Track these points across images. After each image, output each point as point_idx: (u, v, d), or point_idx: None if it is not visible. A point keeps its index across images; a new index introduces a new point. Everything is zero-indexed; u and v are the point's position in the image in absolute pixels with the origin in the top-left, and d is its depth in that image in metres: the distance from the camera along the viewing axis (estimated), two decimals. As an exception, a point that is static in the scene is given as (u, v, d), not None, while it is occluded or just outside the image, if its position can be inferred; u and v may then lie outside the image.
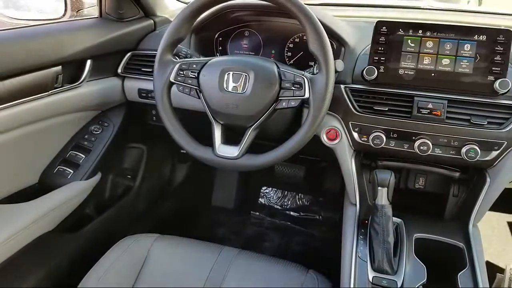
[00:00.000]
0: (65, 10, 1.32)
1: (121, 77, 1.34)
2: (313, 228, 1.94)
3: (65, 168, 1.25)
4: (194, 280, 1.00)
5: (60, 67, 1.11)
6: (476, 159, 0.95)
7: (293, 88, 0.91)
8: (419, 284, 0.88)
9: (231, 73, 0.94)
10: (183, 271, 1.02)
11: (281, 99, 0.92)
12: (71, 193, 1.21)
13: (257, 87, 0.92)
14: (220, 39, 1.30)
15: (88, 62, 1.21)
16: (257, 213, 2.03)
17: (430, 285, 0.90)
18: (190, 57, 1.08)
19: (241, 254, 1.07)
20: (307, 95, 0.89)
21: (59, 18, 1.32)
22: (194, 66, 0.97)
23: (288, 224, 1.98)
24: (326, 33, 0.88)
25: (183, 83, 0.97)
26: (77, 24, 1.27)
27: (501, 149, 0.94)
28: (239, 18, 1.25)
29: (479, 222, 1.04)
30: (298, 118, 1.08)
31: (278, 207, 2.09)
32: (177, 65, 0.97)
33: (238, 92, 0.93)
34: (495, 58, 0.92)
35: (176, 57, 1.03)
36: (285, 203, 2.10)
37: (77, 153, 1.29)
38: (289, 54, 1.24)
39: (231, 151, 0.94)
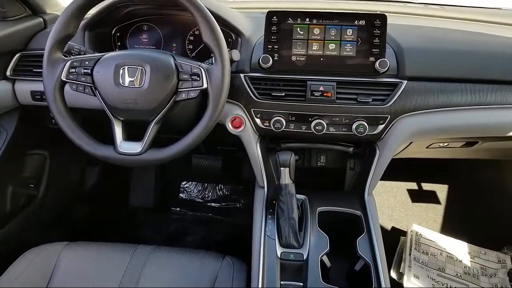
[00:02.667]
0: None
1: (11, 80, 1.24)
2: (235, 216, 1.99)
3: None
4: (109, 282, 0.97)
5: None
6: (365, 134, 1.04)
7: (191, 80, 0.92)
8: (323, 253, 0.96)
9: (126, 67, 0.92)
10: (96, 275, 0.99)
11: (180, 91, 0.93)
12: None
13: (154, 80, 0.91)
14: (118, 34, 1.26)
15: None
16: (178, 209, 2.02)
17: (333, 252, 0.98)
18: (84, 54, 1.03)
19: (157, 251, 1.06)
20: (205, 86, 0.91)
21: None
22: (87, 63, 0.93)
23: (210, 216, 2.01)
24: (222, 24, 0.90)
25: (76, 81, 0.93)
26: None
27: (386, 122, 1.05)
28: (135, 13, 1.22)
29: (374, 190, 1.16)
30: (204, 109, 1.10)
31: (199, 200, 2.10)
32: (68, 63, 0.93)
33: (135, 86, 0.91)
34: (374, 41, 1.02)
35: (68, 55, 0.99)
36: (206, 195, 2.11)
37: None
38: (191, 46, 1.25)
39: (134, 147, 0.93)
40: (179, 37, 1.24)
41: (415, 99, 1.04)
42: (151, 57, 0.93)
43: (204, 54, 1.23)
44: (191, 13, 0.90)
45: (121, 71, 0.92)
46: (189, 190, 2.13)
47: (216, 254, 1.05)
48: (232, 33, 1.14)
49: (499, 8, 1.58)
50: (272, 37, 1.03)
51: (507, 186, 1.80)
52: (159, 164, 0.96)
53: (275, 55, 1.04)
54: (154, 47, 1.26)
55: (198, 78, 0.92)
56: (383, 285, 0.90)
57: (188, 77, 0.92)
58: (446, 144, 1.25)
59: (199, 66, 0.92)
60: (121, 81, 0.92)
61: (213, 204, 2.07)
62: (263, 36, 1.04)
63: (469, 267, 1.66)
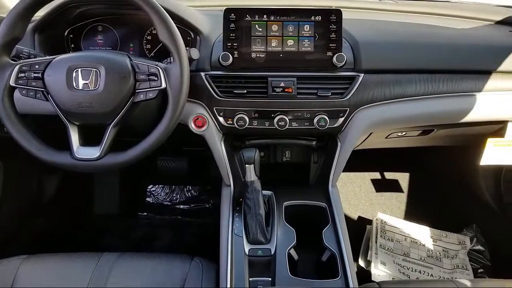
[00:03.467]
0: None
1: None
2: (205, 217, 1.97)
3: None
4: (74, 293, 0.94)
5: None
6: (326, 127, 1.06)
7: (149, 80, 0.90)
8: (290, 246, 0.97)
9: (79, 70, 0.89)
10: (59, 287, 0.95)
11: (138, 92, 0.91)
12: None
13: (110, 82, 0.89)
14: (71, 36, 1.21)
15: None
16: (145, 214, 1.98)
17: (301, 245, 0.99)
18: (34, 58, 0.99)
19: (122, 258, 1.04)
20: (164, 85, 0.90)
21: None
22: (37, 66, 0.89)
23: (179, 218, 1.98)
24: (179, 23, 0.89)
25: (26, 86, 0.89)
26: None
27: (346, 115, 1.07)
28: (88, 13, 1.18)
29: (340, 182, 1.18)
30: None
31: (167, 203, 2.07)
32: (17, 67, 0.89)
33: (90, 89, 0.89)
34: (330, 36, 1.03)
35: (17, 59, 0.94)
36: (174, 198, 2.09)
37: None
38: (148, 46, 1.22)
39: (92, 152, 0.90)
40: (136, 37, 1.22)
41: (372, 91, 1.07)
42: (105, 58, 0.91)
43: (163, 54, 1.21)
44: (145, 12, 0.89)
45: (74, 73, 0.89)
46: (156, 194, 2.09)
47: (185, 256, 1.03)
48: (190, 32, 1.13)
49: (448, 1, 1.66)
50: (231, 35, 1.03)
51: (463, 171, 1.88)
52: (120, 168, 0.94)
53: (235, 52, 1.03)
54: (111, 48, 1.22)
55: (156, 78, 0.90)
56: (349, 273, 0.92)
57: (146, 77, 0.90)
58: (404, 133, 1.29)
59: (157, 65, 0.91)
60: (74, 84, 0.89)
61: (181, 207, 2.05)
62: (222, 34, 1.04)
63: (432, 250, 1.73)
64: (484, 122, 1.21)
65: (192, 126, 1.09)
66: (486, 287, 0.95)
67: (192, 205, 2.05)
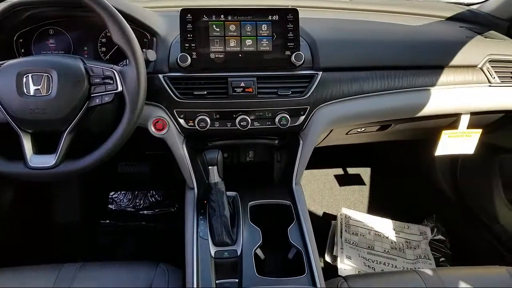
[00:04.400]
0: None
1: None
2: (170, 222, 1.94)
3: None
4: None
5: None
6: (288, 126, 1.07)
7: (104, 83, 0.87)
8: (256, 246, 0.97)
9: (29, 75, 0.85)
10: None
11: (93, 96, 0.88)
12: None
13: (62, 87, 0.85)
14: (21, 41, 1.15)
15: None
16: (108, 221, 1.92)
17: (267, 244, 1.00)
18: None
19: (84, 267, 1.00)
20: (120, 89, 0.87)
21: None
22: None
23: (143, 224, 1.93)
24: (134, 24, 0.87)
25: None
26: None
27: (306, 113, 1.09)
28: (38, 16, 1.12)
29: (301, 180, 1.19)
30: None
31: (130, 209, 2.01)
32: None
33: (42, 95, 0.85)
34: (288, 35, 1.04)
35: None
36: (138, 204, 2.03)
37: None
38: (103, 49, 1.18)
39: (47, 160, 0.86)
40: (90, 40, 1.17)
41: (330, 89, 1.08)
42: (57, 62, 0.87)
43: (118, 56, 1.18)
44: (98, 14, 0.86)
45: (24, 79, 0.84)
46: (119, 200, 2.03)
47: (149, 263, 1.01)
48: (146, 33, 1.10)
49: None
50: (188, 35, 1.02)
51: (421, 163, 1.96)
52: (78, 175, 0.91)
53: (193, 53, 1.02)
54: (63, 52, 1.18)
55: (112, 81, 0.87)
56: (315, 269, 0.93)
57: (101, 81, 0.87)
58: (363, 129, 1.32)
59: (112, 68, 0.88)
60: (25, 90, 0.84)
61: (145, 212, 2.00)
62: (179, 35, 1.02)
63: (395, 242, 1.79)
64: (439, 116, 1.26)
65: (152, 129, 1.06)
66: (447, 274, 0.98)
67: (156, 210, 2.00)
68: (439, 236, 1.80)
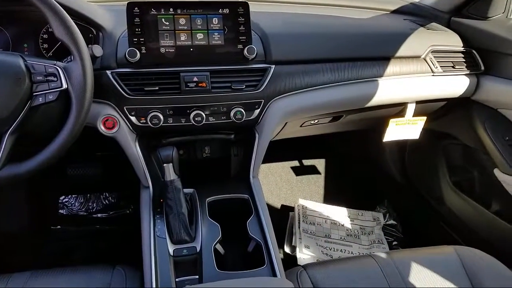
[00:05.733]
0: None
1: None
2: (126, 224, 1.88)
3: None
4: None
5: None
6: (243, 120, 1.07)
7: (47, 81, 0.82)
8: (215, 242, 0.97)
9: None
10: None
11: (36, 95, 0.82)
12: None
13: (1, 86, 0.79)
14: None
15: None
16: (59, 227, 1.83)
17: (228, 239, 0.99)
18: None
19: (35, 276, 0.94)
20: (65, 86, 0.83)
21: None
22: None
23: (97, 228, 1.86)
24: (79, 19, 0.83)
25: None
26: None
27: (261, 106, 1.09)
28: None
29: (259, 174, 1.20)
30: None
31: (83, 213, 1.93)
32: None
33: None
34: (240, 28, 1.04)
35: None
36: (91, 207, 1.95)
37: None
38: (45, 46, 1.11)
39: None
40: (31, 36, 1.10)
41: (284, 82, 1.10)
42: None
43: (62, 53, 1.12)
44: (37, 8, 0.81)
45: None
46: (70, 205, 1.94)
47: (105, 266, 0.97)
48: (91, 28, 1.05)
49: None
50: (136, 30, 0.98)
51: (372, 152, 2.03)
52: (23, 180, 0.85)
53: (142, 48, 0.99)
54: (1, 50, 1.10)
55: (56, 79, 0.83)
56: (274, 260, 0.94)
57: (43, 78, 0.82)
58: (316, 121, 1.35)
59: (55, 65, 0.83)
60: None
61: (99, 215, 1.92)
62: (127, 29, 0.99)
63: (350, 229, 1.85)
64: (387, 105, 1.32)
65: (101, 128, 1.02)
66: (400, 257, 1.03)
67: (111, 213, 1.93)
68: (391, 221, 1.89)
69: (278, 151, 2.00)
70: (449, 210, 1.64)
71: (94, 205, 1.95)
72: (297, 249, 1.66)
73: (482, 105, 1.38)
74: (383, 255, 1.04)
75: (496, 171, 1.33)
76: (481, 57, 1.34)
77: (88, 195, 1.96)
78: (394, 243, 1.81)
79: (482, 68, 1.34)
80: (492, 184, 1.36)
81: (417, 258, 1.02)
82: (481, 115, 1.38)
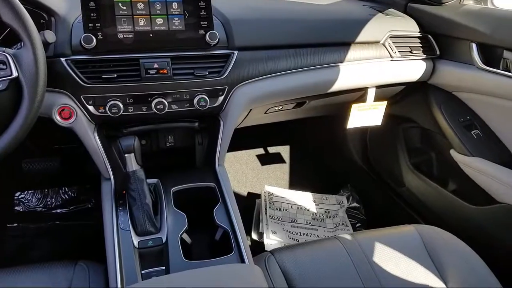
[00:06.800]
0: None
1: None
2: (87, 218, 1.82)
3: None
4: None
5: None
6: (207, 107, 1.05)
7: None
8: (182, 231, 0.95)
9: None
10: None
11: None
12: None
13: None
14: None
15: None
16: (15, 224, 1.74)
17: (195, 228, 0.98)
18: None
19: None
20: (15, 74, 0.78)
21: None
22: None
23: (57, 224, 1.78)
24: (28, 3, 0.78)
25: None
26: None
27: (225, 93, 1.07)
28: None
29: (224, 162, 1.19)
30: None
31: (41, 209, 1.84)
32: None
33: None
34: (201, 13, 1.01)
35: None
36: (49, 203, 1.87)
37: None
38: None
39: None
40: None
41: (247, 68, 1.08)
42: None
43: (11, 40, 1.05)
44: None
45: None
46: (26, 201, 1.85)
47: (67, 262, 0.93)
48: (42, 13, 0.99)
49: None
50: (92, 14, 0.94)
51: (335, 137, 2.07)
52: None
53: (98, 33, 0.94)
54: None
55: (5, 67, 0.77)
56: (242, 247, 0.94)
57: None
58: (280, 107, 1.36)
59: (4, 52, 0.78)
60: None
61: (59, 211, 1.84)
62: (81, 14, 0.94)
63: (315, 213, 1.88)
64: (348, 90, 1.34)
65: (57, 118, 0.97)
66: (363, 237, 1.06)
67: (71, 208, 1.86)
68: (354, 204, 1.94)
69: (243, 139, 1.99)
70: (409, 191, 1.70)
71: (53, 201, 1.87)
72: (264, 235, 1.67)
73: (438, 88, 1.43)
74: (347, 236, 1.07)
75: (453, 152, 1.39)
76: (436, 41, 1.39)
77: (46, 190, 1.88)
78: (358, 225, 1.86)
79: (438, 52, 1.38)
80: (449, 165, 1.42)
81: (380, 238, 1.06)
82: (438, 98, 1.43)
